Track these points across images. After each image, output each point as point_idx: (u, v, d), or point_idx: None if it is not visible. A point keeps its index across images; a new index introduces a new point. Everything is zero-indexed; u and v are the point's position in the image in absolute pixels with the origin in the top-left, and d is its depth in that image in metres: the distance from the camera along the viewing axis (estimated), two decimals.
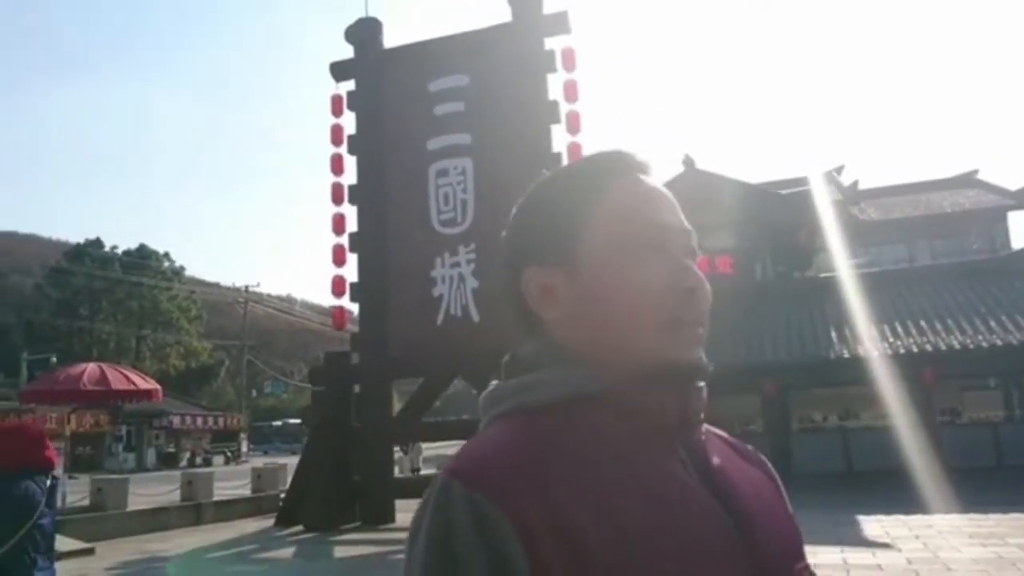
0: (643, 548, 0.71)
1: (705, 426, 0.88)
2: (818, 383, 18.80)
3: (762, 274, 22.24)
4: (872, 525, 10.53)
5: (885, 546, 8.93)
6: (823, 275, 22.71)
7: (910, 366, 17.02)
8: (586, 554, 0.69)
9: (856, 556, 8.35)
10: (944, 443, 17.23)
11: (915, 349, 17.12)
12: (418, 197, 14.46)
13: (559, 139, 13.84)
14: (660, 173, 0.89)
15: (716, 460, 0.83)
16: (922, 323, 18.06)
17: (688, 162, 22.64)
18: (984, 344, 16.76)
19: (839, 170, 32.16)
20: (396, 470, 17.43)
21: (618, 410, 0.79)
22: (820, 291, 20.61)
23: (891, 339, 17.70)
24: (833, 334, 18.50)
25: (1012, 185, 29.40)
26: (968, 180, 31.71)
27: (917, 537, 9.42)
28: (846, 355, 17.46)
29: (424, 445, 25.06)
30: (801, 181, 29.54)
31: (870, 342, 17.68)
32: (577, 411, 0.79)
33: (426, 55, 14.92)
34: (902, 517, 11.07)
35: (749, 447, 0.97)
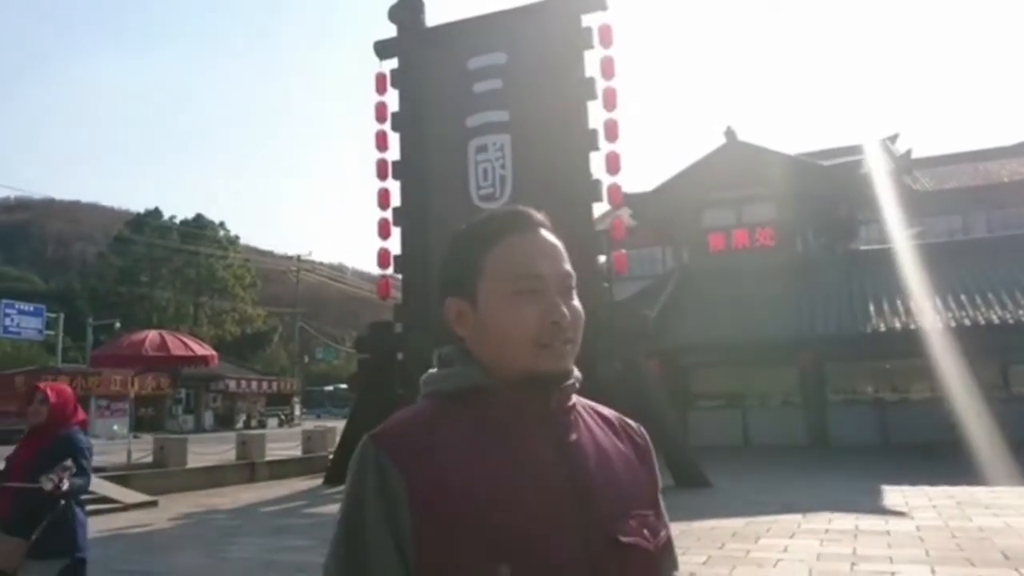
0: (493, 495, 1.00)
1: (586, 406, 1.19)
2: (856, 356, 18.87)
3: (803, 247, 22.20)
4: (894, 495, 10.80)
5: (900, 514, 9.23)
6: (865, 247, 22.59)
7: (952, 340, 16.99)
8: (450, 495, 0.99)
9: (869, 523, 8.69)
10: (985, 417, 17.21)
11: (953, 323, 17.09)
12: (458, 172, 14.93)
13: (595, 115, 14.12)
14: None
15: (574, 436, 1.11)
16: (962, 297, 17.99)
17: (730, 134, 22.60)
18: None
19: (893, 139, 31.49)
20: None
21: (499, 400, 1.08)
22: (863, 264, 20.59)
23: (933, 312, 17.65)
24: (871, 307, 18.52)
25: None
26: None
27: (934, 507, 9.69)
28: (883, 328, 17.52)
29: None
30: (853, 150, 29.16)
31: (909, 316, 17.68)
32: (473, 398, 1.09)
33: (466, 33, 15.28)
34: (926, 488, 11.31)
35: (629, 422, 1.24)
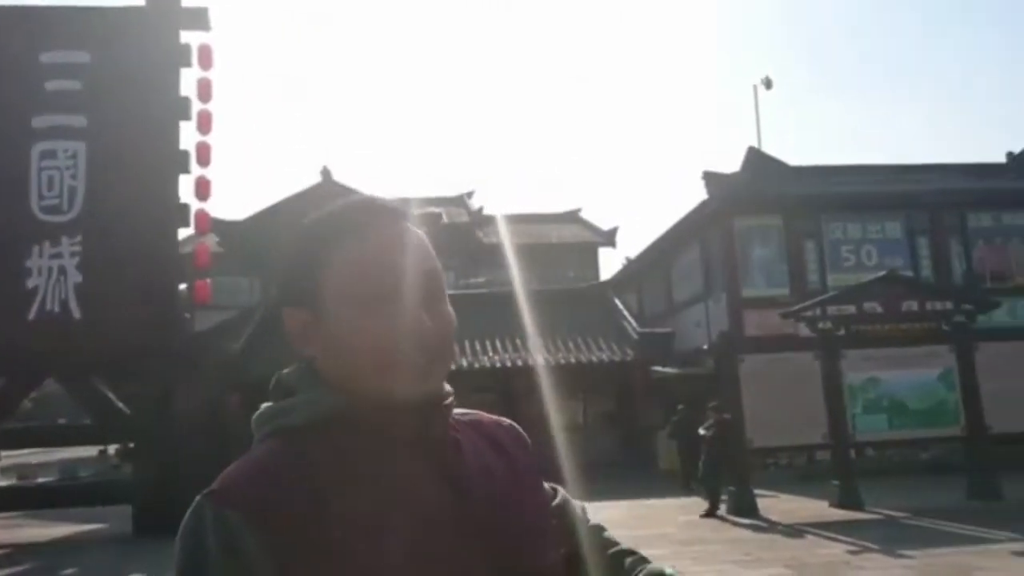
0: (380, 548, 0.82)
1: (461, 422, 1.01)
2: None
3: None
4: None
5: None
6: None
7: (508, 379, 19.33)
8: (325, 552, 0.80)
9: None
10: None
11: (509, 363, 19.48)
12: (15, 178, 13.00)
13: (188, 136, 13.50)
14: (412, 216, 0.99)
15: (464, 464, 0.94)
16: (497, 341, 20.59)
17: (326, 173, 23.16)
18: (574, 361, 19.63)
19: (470, 195, 34.91)
20: None
21: (366, 429, 0.89)
22: None
23: (494, 354, 19.93)
24: None
25: (605, 226, 34.37)
26: (572, 217, 36.23)
27: None
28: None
29: (4, 453, 22.00)
30: (439, 201, 31.73)
31: (475, 356, 19.74)
32: (328, 431, 0.88)
33: (40, 22, 13.52)
34: None
35: (503, 423, 1.10)
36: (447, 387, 0.97)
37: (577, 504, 1.15)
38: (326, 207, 0.97)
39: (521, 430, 1.11)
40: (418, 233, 0.97)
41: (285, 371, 0.96)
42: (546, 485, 1.12)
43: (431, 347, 0.90)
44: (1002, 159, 21.92)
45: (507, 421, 1.11)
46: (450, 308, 0.96)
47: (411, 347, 0.88)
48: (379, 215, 0.94)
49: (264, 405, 0.94)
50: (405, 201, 1.05)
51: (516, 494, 0.98)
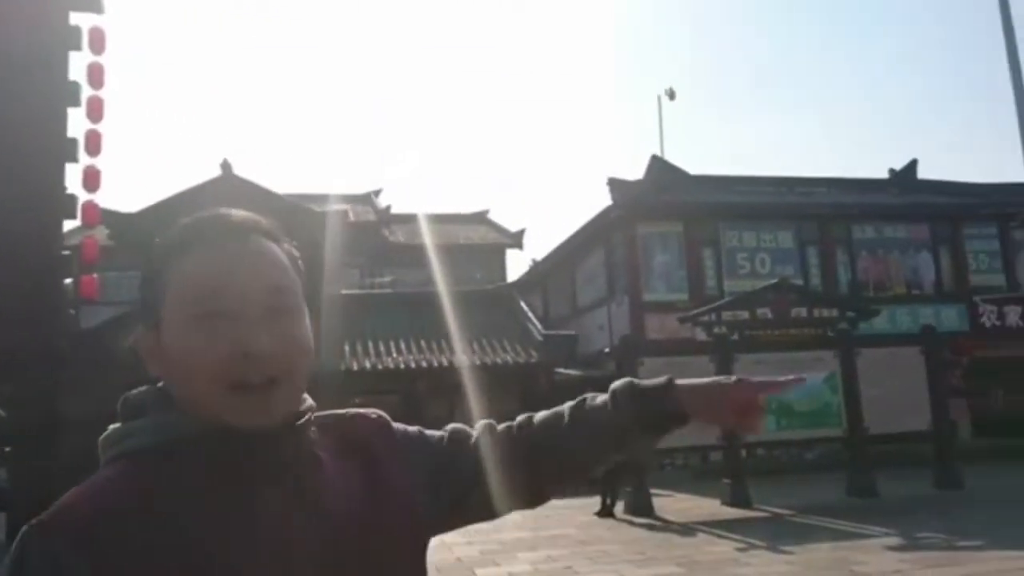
0: (213, 571, 0.79)
1: (330, 421, 0.99)
2: (332, 392, 20.07)
3: None
4: None
5: None
6: (347, 291, 24.35)
7: (412, 379, 19.22)
8: None
9: None
10: None
11: (413, 365, 19.37)
12: None
13: (77, 124, 12.78)
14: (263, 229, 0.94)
15: (315, 478, 0.90)
16: (402, 342, 20.51)
17: (226, 167, 22.43)
18: (479, 362, 19.66)
19: (377, 193, 34.52)
20: None
21: (209, 454, 0.84)
22: (345, 306, 22.08)
23: (399, 355, 19.77)
24: (347, 347, 19.99)
25: (513, 227, 34.58)
26: (480, 218, 36.31)
27: None
28: (356, 367, 19.04)
29: None
30: (347, 198, 31.24)
31: (379, 356, 19.53)
32: (174, 455, 0.84)
33: None
34: None
35: (369, 415, 1.04)
36: (306, 403, 0.94)
37: (480, 426, 1.09)
38: (176, 223, 0.94)
39: (387, 416, 1.06)
40: (270, 247, 0.92)
41: (134, 391, 0.92)
42: (439, 432, 1.08)
43: (269, 368, 0.85)
44: (884, 174, 23.29)
45: (375, 412, 1.06)
46: (301, 326, 0.91)
47: (244, 369, 0.84)
48: (222, 231, 0.90)
49: (111, 426, 0.90)
50: (260, 216, 0.97)
51: (376, 501, 0.94)
